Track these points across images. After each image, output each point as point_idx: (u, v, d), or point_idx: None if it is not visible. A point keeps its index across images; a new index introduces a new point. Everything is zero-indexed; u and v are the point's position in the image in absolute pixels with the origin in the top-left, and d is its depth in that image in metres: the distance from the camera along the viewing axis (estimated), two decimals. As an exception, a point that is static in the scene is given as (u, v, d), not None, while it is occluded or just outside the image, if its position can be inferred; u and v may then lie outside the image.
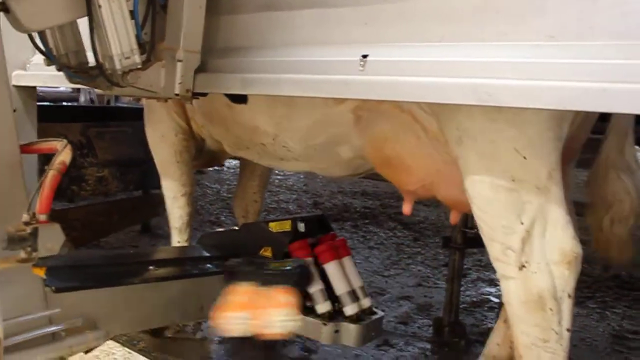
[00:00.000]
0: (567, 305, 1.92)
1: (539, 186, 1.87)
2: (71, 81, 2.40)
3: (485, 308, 4.02)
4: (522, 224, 1.89)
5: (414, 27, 1.79)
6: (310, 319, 2.54)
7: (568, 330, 1.93)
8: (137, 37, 2.12)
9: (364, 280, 2.74)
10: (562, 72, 1.46)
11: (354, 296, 2.58)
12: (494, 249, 1.96)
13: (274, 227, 2.69)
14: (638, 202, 2.08)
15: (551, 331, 1.90)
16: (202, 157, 3.38)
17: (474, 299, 4.19)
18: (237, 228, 3.00)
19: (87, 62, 2.32)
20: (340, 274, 2.60)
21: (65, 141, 2.05)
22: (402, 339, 3.47)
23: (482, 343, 2.86)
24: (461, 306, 3.83)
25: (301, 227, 2.66)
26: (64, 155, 2.01)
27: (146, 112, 3.30)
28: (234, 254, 2.67)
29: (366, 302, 2.62)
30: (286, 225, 2.67)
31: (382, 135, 2.29)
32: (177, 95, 2.24)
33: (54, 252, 1.98)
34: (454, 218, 2.43)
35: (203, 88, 2.29)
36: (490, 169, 1.91)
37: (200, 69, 2.27)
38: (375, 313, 2.66)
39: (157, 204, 3.95)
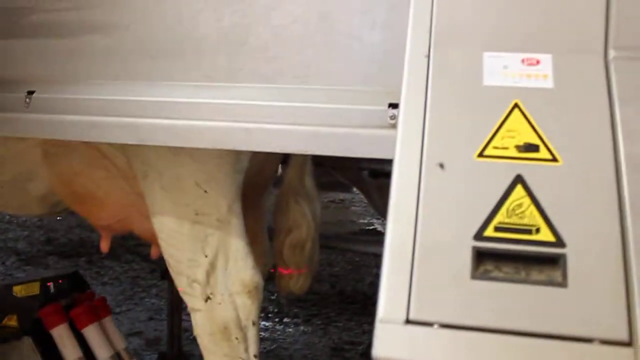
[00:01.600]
0: (252, 333, 1.99)
1: (220, 219, 1.94)
2: None
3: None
4: (206, 256, 1.94)
5: (82, 65, 1.75)
6: None
7: (255, 356, 2.00)
8: None
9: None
10: (215, 113, 1.53)
11: None
12: (181, 282, 1.98)
13: (18, 291, 2.45)
14: (315, 228, 2.23)
15: (239, 359, 1.96)
16: None
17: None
18: None
19: None
20: (101, 338, 2.45)
21: None
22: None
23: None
24: (191, 337, 3.82)
25: (52, 287, 2.45)
26: None
27: None
28: None
29: None
30: (34, 288, 2.44)
31: (70, 170, 2.20)
32: None
33: None
34: (154, 252, 2.41)
35: None
36: (175, 202, 1.93)
37: None
38: None
39: None
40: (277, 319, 4.42)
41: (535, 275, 1.00)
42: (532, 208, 1.03)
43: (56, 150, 2.20)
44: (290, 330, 4.23)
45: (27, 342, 2.42)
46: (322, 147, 1.46)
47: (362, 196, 9.45)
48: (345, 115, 1.46)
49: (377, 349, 0.96)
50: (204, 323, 1.96)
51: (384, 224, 7.72)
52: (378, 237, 3.20)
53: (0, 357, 2.37)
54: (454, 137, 1.12)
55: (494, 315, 0.96)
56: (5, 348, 2.39)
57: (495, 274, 0.99)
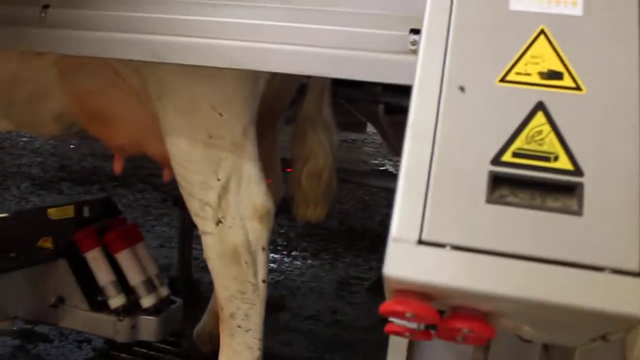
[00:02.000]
0: (262, 258, 2.00)
1: (235, 143, 1.93)
2: None
3: (226, 265, 4.12)
4: (218, 180, 1.94)
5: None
6: (102, 316, 2.36)
7: (264, 281, 2.02)
8: None
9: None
10: (235, 33, 1.50)
11: (150, 286, 2.43)
12: (193, 205, 1.99)
13: (53, 213, 2.44)
14: (332, 158, 2.23)
15: (247, 283, 1.99)
16: None
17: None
18: (5, 215, 2.64)
19: None
20: (134, 263, 2.43)
21: None
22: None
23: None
24: (201, 264, 3.88)
25: (86, 211, 2.44)
26: None
27: None
28: (3, 247, 2.38)
29: (164, 291, 2.49)
30: (69, 211, 2.44)
31: (85, 88, 2.18)
32: None
33: None
34: (167, 175, 2.41)
35: None
36: (189, 124, 1.92)
37: None
38: (173, 302, 2.52)
39: None
40: (285, 252, 4.48)
41: (550, 202, 0.99)
42: (552, 135, 1.02)
43: (71, 68, 2.19)
44: (298, 263, 4.28)
45: (62, 264, 2.44)
46: (342, 71, 1.43)
47: (374, 137, 9.44)
48: (365, 40, 1.43)
49: (388, 267, 0.96)
50: (214, 246, 1.97)
51: (396, 165, 7.80)
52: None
53: (36, 277, 2.40)
54: (476, 61, 1.10)
55: (507, 239, 0.96)
56: (41, 269, 2.42)
57: (511, 199, 0.99)
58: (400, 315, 1.01)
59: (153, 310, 2.43)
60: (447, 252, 0.96)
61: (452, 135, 1.03)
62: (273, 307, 3.21)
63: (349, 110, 3.51)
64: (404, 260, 0.96)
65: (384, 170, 7.79)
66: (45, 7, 1.72)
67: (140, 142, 2.23)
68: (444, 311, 1.06)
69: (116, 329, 2.37)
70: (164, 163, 2.31)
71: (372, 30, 1.43)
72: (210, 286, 3.70)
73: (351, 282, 4.04)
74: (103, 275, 2.41)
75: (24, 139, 7.88)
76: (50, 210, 2.46)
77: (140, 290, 2.43)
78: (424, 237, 0.97)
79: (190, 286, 3.53)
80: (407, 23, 1.41)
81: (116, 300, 2.40)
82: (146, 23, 1.59)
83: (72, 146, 7.80)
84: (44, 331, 3.02)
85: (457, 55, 1.11)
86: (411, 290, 0.98)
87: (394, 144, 4.33)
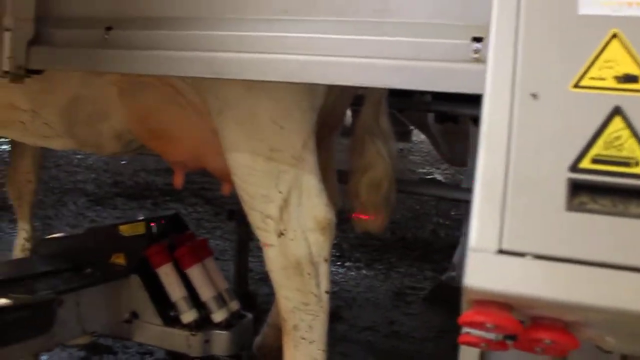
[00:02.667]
0: (324, 270, 2.01)
1: (295, 156, 1.94)
2: None
3: (280, 277, 4.13)
4: (279, 192, 1.95)
5: (155, 1, 1.75)
6: (175, 331, 2.38)
7: (327, 292, 2.03)
8: None
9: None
10: (292, 47, 1.51)
11: (221, 300, 2.45)
12: (254, 218, 2.01)
13: (125, 230, 2.49)
14: (391, 168, 2.23)
15: (310, 295, 1.99)
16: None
17: (269, 269, 4.28)
18: (79, 233, 2.73)
19: None
20: (205, 278, 2.45)
21: None
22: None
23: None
24: (257, 277, 3.91)
25: (154, 228, 2.47)
26: None
27: None
28: (79, 264, 2.43)
29: (234, 305, 2.51)
30: (139, 228, 2.47)
31: (145, 107, 2.23)
32: (6, 73, 1.83)
33: None
34: (226, 189, 2.45)
35: (41, 64, 1.89)
36: (249, 138, 1.94)
37: (34, 41, 1.88)
38: (244, 316, 2.53)
39: None
40: (339, 263, 4.48)
41: (633, 208, 0.96)
42: (632, 140, 1.00)
43: (131, 87, 2.24)
44: (352, 274, 4.28)
45: (135, 280, 2.47)
46: (403, 81, 1.43)
47: (420, 145, 9.36)
48: (426, 49, 1.42)
49: (468, 278, 0.95)
50: (276, 258, 1.99)
51: (443, 173, 7.71)
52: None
53: (110, 293, 2.43)
54: (548, 68, 1.08)
55: (590, 247, 0.94)
56: (115, 285, 2.45)
57: (591, 206, 0.97)
58: (480, 326, 1.00)
59: (225, 325, 2.43)
60: (528, 261, 0.95)
61: (527, 143, 1.02)
62: (330, 318, 3.20)
63: (396, 119, 3.51)
64: (484, 271, 0.95)
65: (432, 178, 7.74)
66: (108, 28, 1.77)
67: (200, 158, 2.26)
68: (523, 321, 1.04)
69: (189, 344, 2.38)
70: (223, 177, 2.34)
71: (434, 40, 1.43)
72: (266, 298, 3.73)
73: (407, 293, 4.02)
74: (175, 290, 2.43)
75: (78, 156, 8.09)
76: (122, 227, 2.50)
77: (212, 305, 2.44)
78: (504, 247, 0.96)
79: (246, 299, 3.55)
80: (468, 31, 1.40)
81: (188, 315, 2.41)
82: (205, 40, 1.62)
83: (123, 162, 7.98)
84: (108, 343, 3.09)
85: (527, 62, 1.09)
86: (491, 300, 0.97)
87: (445, 152, 4.31)
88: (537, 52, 1.11)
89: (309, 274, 1.98)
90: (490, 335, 1.10)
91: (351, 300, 3.82)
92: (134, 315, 2.48)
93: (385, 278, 4.28)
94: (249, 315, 2.55)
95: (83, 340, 2.42)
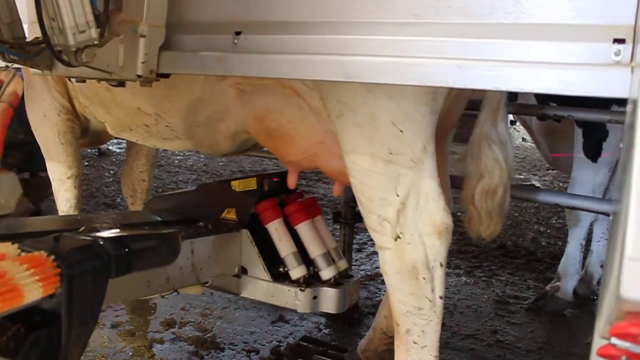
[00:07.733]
0: (439, 274, 1.98)
1: (414, 159, 1.94)
2: (5, 59, 1.98)
3: (379, 281, 4.13)
4: (397, 195, 1.95)
5: (284, 6, 1.79)
6: (284, 287, 2.37)
7: (441, 297, 2.00)
8: (92, 6, 1.77)
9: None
10: (423, 50, 1.51)
11: (329, 258, 2.45)
12: (371, 221, 2.01)
13: (236, 185, 2.50)
14: (507, 174, 2.18)
15: (425, 299, 1.98)
16: (87, 137, 3.27)
17: (368, 273, 4.29)
18: (193, 189, 2.74)
19: (24, 37, 1.98)
20: (314, 235, 2.45)
21: (11, 71, 1.73)
22: (296, 314, 3.51)
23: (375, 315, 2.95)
24: (361, 278, 3.92)
25: (266, 185, 2.47)
26: (14, 85, 1.72)
27: (26, 90, 3.13)
28: (191, 218, 2.44)
29: (342, 264, 2.50)
30: (251, 184, 2.48)
31: (264, 108, 2.29)
32: (139, 76, 1.91)
33: (9, 209, 1.73)
34: (337, 190, 2.47)
35: (170, 68, 1.97)
36: (369, 141, 1.95)
37: (164, 47, 1.96)
38: (351, 276, 2.51)
39: (46, 187, 3.79)
40: (438, 269, 4.42)
41: None
42: None
43: (251, 89, 2.31)
44: (452, 280, 4.22)
45: (245, 235, 2.47)
46: (541, 85, 1.40)
47: (515, 151, 9.09)
48: (563, 52, 1.39)
49: (625, 288, 0.92)
50: (392, 261, 1.98)
51: (541, 179, 7.47)
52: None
53: (221, 246, 2.44)
54: None
55: None
56: (225, 238, 2.46)
57: None
58: (632, 338, 0.97)
59: (333, 283, 2.41)
60: (690, 273, 0.91)
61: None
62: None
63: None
64: (642, 281, 0.92)
65: (530, 185, 7.52)
66: (238, 33, 1.82)
67: (315, 158, 2.29)
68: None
69: (297, 300, 2.37)
70: (337, 179, 2.37)
71: (570, 43, 1.39)
72: (366, 301, 3.74)
73: (509, 302, 3.92)
74: (284, 246, 2.43)
75: (178, 157, 8.39)
76: (234, 183, 2.49)
77: (320, 262, 2.42)
78: (665, 257, 0.92)
79: (348, 301, 3.56)
80: (609, 32, 1.36)
81: (297, 271, 2.40)
82: (334, 44, 1.65)
83: (221, 163, 8.21)
84: (216, 340, 3.18)
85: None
86: (648, 312, 0.93)
87: (546, 152, 4.17)
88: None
89: (424, 278, 1.97)
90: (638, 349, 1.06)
91: (452, 307, 3.76)
92: (243, 270, 2.48)
93: (487, 286, 4.19)
94: (356, 276, 2.52)
95: (195, 290, 2.43)
